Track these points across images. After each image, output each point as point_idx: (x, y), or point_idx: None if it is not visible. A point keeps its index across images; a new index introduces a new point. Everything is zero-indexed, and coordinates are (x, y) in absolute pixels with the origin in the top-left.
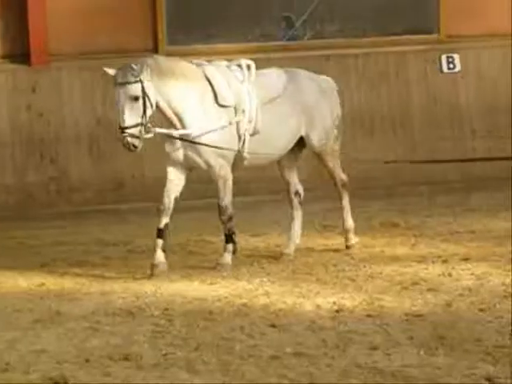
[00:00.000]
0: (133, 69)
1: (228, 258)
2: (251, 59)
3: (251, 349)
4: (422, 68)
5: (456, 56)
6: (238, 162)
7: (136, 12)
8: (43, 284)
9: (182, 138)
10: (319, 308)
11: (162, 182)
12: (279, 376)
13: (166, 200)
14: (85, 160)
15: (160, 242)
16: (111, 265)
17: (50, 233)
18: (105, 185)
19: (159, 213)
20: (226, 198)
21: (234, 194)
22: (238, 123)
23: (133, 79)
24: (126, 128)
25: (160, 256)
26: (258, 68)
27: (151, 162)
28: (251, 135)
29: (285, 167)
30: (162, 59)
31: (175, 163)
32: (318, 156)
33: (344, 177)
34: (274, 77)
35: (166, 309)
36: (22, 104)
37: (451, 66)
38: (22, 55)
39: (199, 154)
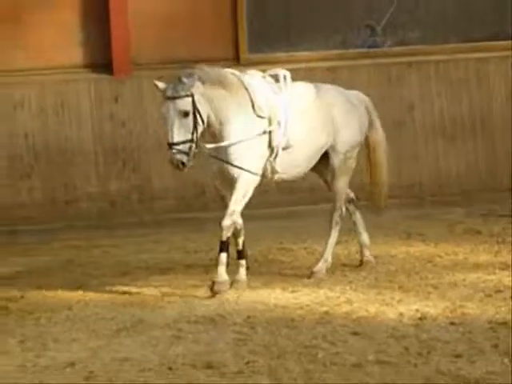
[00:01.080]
0: (183, 82)
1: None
2: (332, 67)
3: (334, 356)
4: (503, 74)
5: None
6: (268, 175)
7: (217, 20)
8: (126, 292)
9: (226, 161)
10: (402, 316)
11: None
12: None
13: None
14: (166, 168)
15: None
16: (193, 273)
17: (133, 241)
18: (186, 193)
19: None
20: (238, 207)
21: (315, 202)
22: (271, 135)
23: (183, 93)
24: (175, 144)
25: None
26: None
27: None
28: (283, 149)
29: (329, 180)
30: (209, 70)
31: (214, 178)
32: (332, 172)
33: (353, 195)
34: (304, 89)
35: (248, 316)
36: (104, 113)
37: None
38: (104, 65)
39: (229, 167)
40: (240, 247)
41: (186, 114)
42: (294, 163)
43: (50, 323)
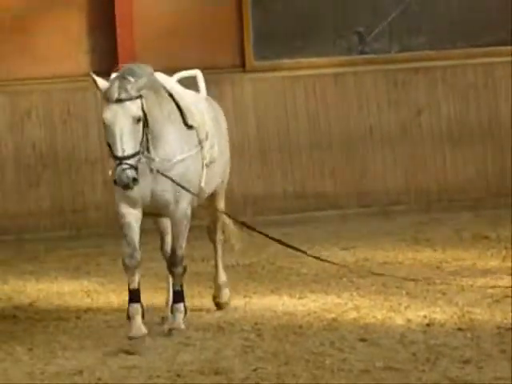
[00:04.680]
0: (130, 81)
1: (181, 319)
2: (338, 73)
3: (341, 363)
4: (510, 79)
5: None
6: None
7: (222, 28)
8: None
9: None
10: (409, 322)
11: (245, 197)
12: None
13: (136, 255)
14: None
15: (137, 307)
16: (200, 280)
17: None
18: None
19: (131, 271)
20: (184, 246)
21: (324, 208)
22: (202, 148)
23: (134, 94)
24: (126, 158)
25: (141, 326)
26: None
27: (234, 177)
28: (207, 165)
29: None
30: (140, 69)
31: (133, 203)
32: (213, 193)
33: (228, 221)
34: (200, 97)
35: (256, 323)
36: None
37: None
38: (110, 73)
39: (169, 190)
40: (136, 286)
41: (138, 120)
42: (212, 181)
43: (58, 331)
